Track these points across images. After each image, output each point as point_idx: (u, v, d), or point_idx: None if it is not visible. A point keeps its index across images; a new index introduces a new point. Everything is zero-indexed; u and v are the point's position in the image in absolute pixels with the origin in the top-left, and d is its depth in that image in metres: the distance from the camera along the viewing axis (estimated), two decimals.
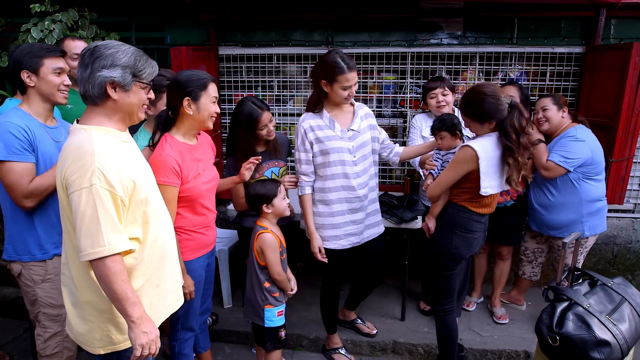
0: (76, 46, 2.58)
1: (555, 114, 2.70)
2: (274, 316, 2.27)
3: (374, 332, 2.95)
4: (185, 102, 1.93)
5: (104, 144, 1.38)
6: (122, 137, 1.48)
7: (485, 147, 2.02)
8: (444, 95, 2.78)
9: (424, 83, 3.42)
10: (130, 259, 1.47)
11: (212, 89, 1.98)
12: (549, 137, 2.80)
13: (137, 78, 1.44)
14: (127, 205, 1.42)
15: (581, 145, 2.61)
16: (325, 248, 2.42)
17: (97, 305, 1.47)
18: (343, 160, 2.33)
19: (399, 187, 3.55)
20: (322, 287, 2.65)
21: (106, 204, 1.33)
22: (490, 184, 2.08)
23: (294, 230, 2.64)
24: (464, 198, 2.19)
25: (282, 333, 2.31)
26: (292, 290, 2.33)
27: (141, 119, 1.55)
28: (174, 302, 1.70)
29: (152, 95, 1.55)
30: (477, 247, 2.30)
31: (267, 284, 2.23)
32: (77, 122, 1.46)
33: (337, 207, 2.38)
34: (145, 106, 1.55)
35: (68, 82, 1.97)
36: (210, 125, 2.03)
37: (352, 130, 2.37)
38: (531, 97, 3.13)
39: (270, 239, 2.18)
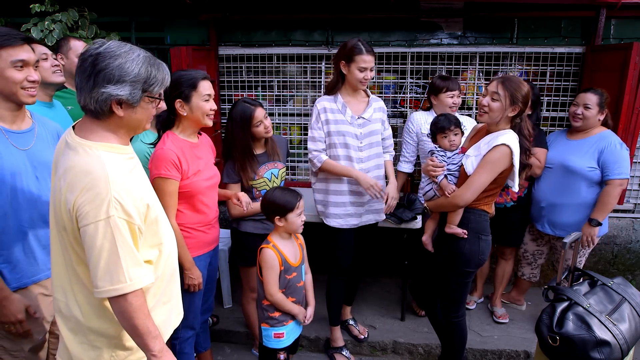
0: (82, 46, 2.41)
1: (594, 114, 2.60)
2: (270, 337, 2.08)
3: (362, 337, 2.92)
4: (177, 103, 1.94)
5: (116, 167, 1.25)
6: (128, 153, 1.36)
7: (515, 143, 1.99)
8: (458, 97, 2.79)
9: (424, 83, 3.43)
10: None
11: (204, 87, 1.96)
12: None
13: (146, 93, 1.28)
14: (144, 231, 1.32)
15: (627, 153, 2.56)
16: (328, 225, 2.54)
17: (105, 332, 1.36)
18: (347, 144, 2.43)
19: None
20: (329, 273, 2.68)
21: (125, 235, 1.22)
22: (517, 179, 2.07)
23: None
24: (485, 201, 2.12)
25: (281, 357, 2.08)
26: (304, 319, 2.11)
27: (147, 129, 1.44)
28: (176, 316, 1.62)
29: (163, 105, 1.41)
30: None
31: (265, 302, 2.08)
32: (74, 128, 1.30)
33: (338, 187, 2.48)
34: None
35: (34, 77, 1.59)
36: (209, 123, 2.02)
37: (363, 118, 2.46)
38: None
39: (268, 256, 2.01)
